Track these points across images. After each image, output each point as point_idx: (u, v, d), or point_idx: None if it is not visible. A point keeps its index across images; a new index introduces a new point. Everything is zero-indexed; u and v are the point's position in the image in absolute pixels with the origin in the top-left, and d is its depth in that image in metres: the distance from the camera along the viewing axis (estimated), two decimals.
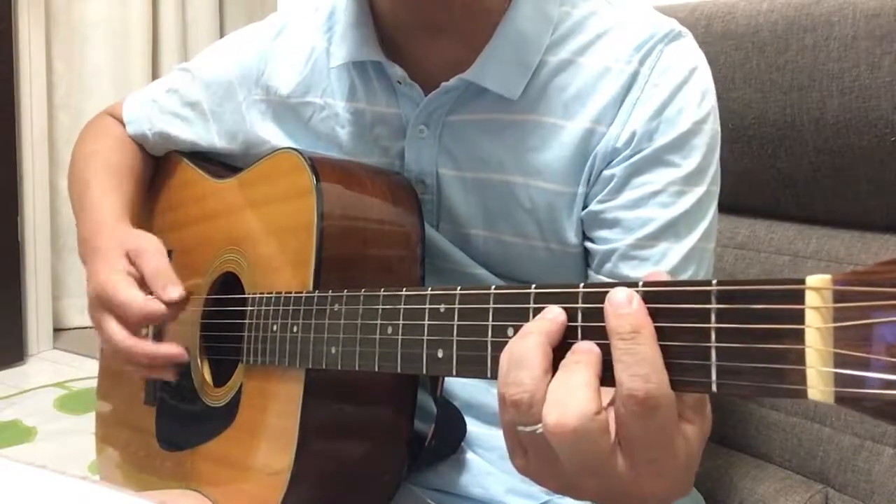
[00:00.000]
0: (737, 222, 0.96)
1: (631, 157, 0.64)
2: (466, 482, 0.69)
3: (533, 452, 0.43)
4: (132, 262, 0.71)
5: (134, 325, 0.69)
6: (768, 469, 0.86)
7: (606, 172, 0.65)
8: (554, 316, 0.42)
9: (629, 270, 0.64)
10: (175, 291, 0.68)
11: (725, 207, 0.96)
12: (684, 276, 0.64)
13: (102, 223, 0.78)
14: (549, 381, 0.41)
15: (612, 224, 0.65)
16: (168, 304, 0.68)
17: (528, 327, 0.42)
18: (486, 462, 0.70)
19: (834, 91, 0.82)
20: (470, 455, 0.70)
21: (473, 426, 0.70)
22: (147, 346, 0.68)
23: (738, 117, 0.90)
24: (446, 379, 0.69)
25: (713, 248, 0.67)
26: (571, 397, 0.39)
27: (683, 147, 0.63)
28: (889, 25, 0.77)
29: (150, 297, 0.68)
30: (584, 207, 0.66)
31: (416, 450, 0.65)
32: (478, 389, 0.71)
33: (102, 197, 0.81)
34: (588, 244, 0.67)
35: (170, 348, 0.68)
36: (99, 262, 0.72)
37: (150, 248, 0.71)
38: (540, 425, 0.40)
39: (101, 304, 0.70)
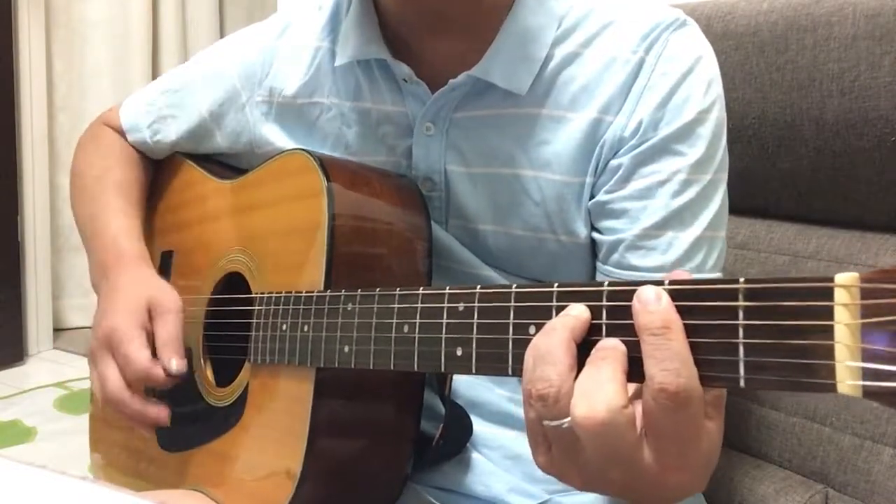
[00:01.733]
0: (737, 222, 0.97)
1: (637, 146, 0.64)
2: (469, 481, 0.69)
3: (557, 448, 0.44)
4: (150, 315, 0.71)
5: (131, 381, 0.69)
6: (768, 469, 0.86)
7: (613, 162, 0.65)
8: (578, 313, 0.43)
9: (637, 260, 0.64)
10: (178, 366, 0.68)
11: None
12: (691, 265, 0.64)
13: (121, 257, 0.77)
14: (575, 377, 0.41)
15: (620, 214, 0.65)
16: (168, 373, 0.68)
17: (552, 324, 0.43)
18: (489, 461, 0.70)
19: (834, 91, 0.82)
20: (473, 454, 0.70)
21: (477, 425, 0.70)
22: (136, 404, 0.68)
23: (738, 117, 0.90)
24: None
25: (723, 237, 0.67)
26: (599, 391, 0.40)
27: (689, 136, 0.64)
28: (889, 25, 0.77)
29: (155, 361, 0.68)
30: (592, 197, 0.67)
31: (422, 449, 0.66)
32: (482, 388, 0.71)
33: (119, 227, 0.80)
34: (595, 235, 0.67)
35: (157, 411, 0.69)
36: (118, 305, 0.71)
37: (172, 309, 0.71)
38: (567, 419, 0.41)
39: (108, 347, 0.70)
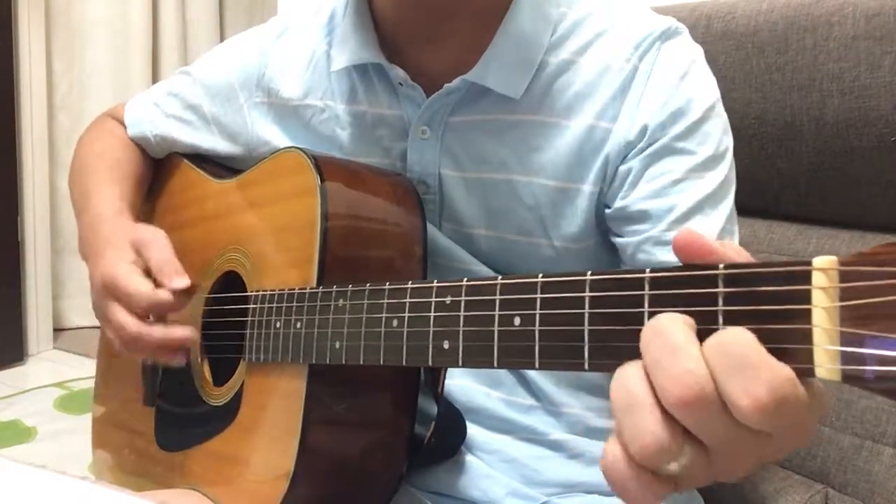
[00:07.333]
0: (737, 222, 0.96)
1: (646, 148, 0.64)
2: (465, 484, 0.69)
3: (692, 455, 0.34)
4: (138, 253, 0.71)
5: (141, 315, 0.68)
6: (768, 469, 0.86)
7: (623, 168, 0.65)
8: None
9: (665, 256, 0.63)
10: (181, 282, 0.68)
11: None
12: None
13: (102, 217, 0.78)
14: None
15: (641, 216, 0.64)
16: (174, 294, 0.68)
17: (663, 317, 0.35)
18: (486, 464, 0.70)
19: (834, 91, 0.82)
20: (469, 457, 0.70)
21: (473, 430, 0.70)
22: (159, 330, 0.68)
23: (738, 117, 0.90)
24: (447, 384, 0.69)
25: (737, 232, 0.67)
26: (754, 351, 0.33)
27: (697, 134, 0.64)
28: (889, 25, 0.77)
29: (157, 287, 0.68)
30: (606, 207, 0.66)
31: (415, 449, 0.65)
32: (477, 393, 0.71)
33: (102, 196, 0.81)
34: (618, 240, 0.66)
35: (182, 331, 0.68)
36: (102, 254, 0.72)
37: (155, 238, 0.71)
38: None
39: (108, 293, 0.69)
